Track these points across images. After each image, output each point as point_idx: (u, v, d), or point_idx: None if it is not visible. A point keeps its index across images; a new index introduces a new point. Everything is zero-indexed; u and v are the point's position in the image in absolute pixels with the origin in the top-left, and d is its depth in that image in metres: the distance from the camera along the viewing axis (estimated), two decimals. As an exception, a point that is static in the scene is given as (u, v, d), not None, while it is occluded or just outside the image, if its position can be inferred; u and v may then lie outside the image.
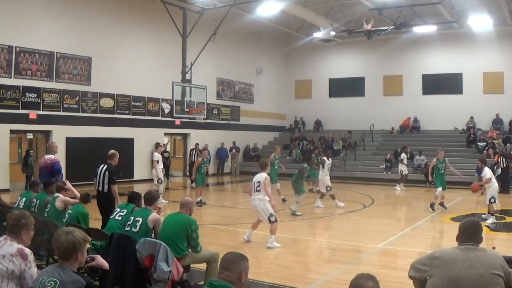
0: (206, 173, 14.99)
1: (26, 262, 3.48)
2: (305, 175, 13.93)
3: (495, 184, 11.81)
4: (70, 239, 3.28)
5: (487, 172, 11.81)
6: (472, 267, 3.19)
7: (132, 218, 5.98)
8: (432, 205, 13.31)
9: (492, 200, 11.49)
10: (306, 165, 14.19)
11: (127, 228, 5.87)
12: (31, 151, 17.63)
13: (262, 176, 8.85)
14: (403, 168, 20.08)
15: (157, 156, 15.02)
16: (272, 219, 8.81)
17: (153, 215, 5.98)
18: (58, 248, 3.29)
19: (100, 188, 8.71)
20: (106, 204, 8.50)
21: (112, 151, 9.14)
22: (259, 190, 8.78)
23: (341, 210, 13.68)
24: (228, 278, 3.05)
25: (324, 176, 14.21)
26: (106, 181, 8.68)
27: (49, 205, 7.19)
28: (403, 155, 20.27)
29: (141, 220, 5.86)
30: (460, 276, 3.17)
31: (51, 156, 9.86)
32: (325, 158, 14.61)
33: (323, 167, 14.36)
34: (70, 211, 6.82)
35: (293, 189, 13.44)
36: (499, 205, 15.67)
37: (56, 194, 7.35)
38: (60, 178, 9.65)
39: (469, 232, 3.46)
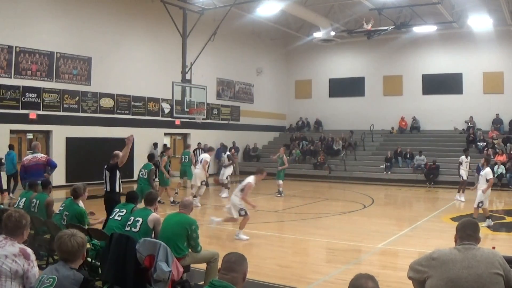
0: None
1: (29, 262, 3.50)
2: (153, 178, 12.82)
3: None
4: (79, 242, 3.35)
5: (488, 172, 11.14)
6: (470, 267, 3.19)
7: (132, 218, 5.98)
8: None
9: (481, 205, 10.86)
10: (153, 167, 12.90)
11: (127, 228, 5.88)
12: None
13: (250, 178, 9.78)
14: (462, 173, 16.43)
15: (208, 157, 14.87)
16: (242, 213, 9.65)
17: (153, 215, 5.99)
18: (66, 252, 3.31)
19: (107, 188, 8.85)
20: (110, 203, 8.49)
21: (116, 151, 9.25)
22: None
23: (340, 210, 13.67)
24: (234, 280, 3.06)
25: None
26: (107, 180, 8.77)
27: (63, 204, 7.17)
28: (463, 158, 16.62)
29: (141, 220, 5.87)
30: (459, 276, 3.17)
31: (43, 155, 10.30)
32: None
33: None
34: (67, 213, 6.80)
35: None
36: (499, 206, 15.70)
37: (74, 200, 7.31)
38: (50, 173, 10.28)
39: (467, 231, 3.46)
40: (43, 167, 10.03)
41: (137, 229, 5.79)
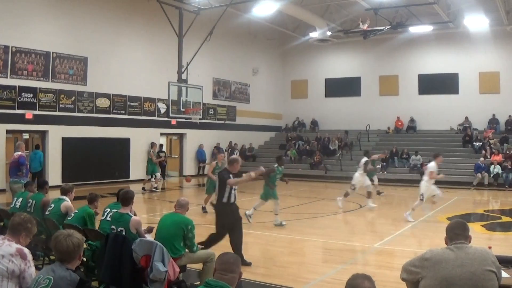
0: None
1: (26, 262, 3.51)
2: (277, 178, 11.68)
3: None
4: (75, 242, 3.33)
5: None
6: (464, 265, 3.20)
7: (114, 227, 5.75)
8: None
9: (421, 198, 11.91)
10: (276, 165, 11.68)
11: None
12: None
13: None
14: None
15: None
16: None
17: (133, 219, 5.72)
18: (62, 252, 3.30)
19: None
20: (217, 216, 7.93)
21: (234, 156, 8.87)
22: None
23: (336, 210, 13.68)
24: (232, 280, 3.05)
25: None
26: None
27: (52, 205, 7.11)
28: None
29: (124, 231, 5.67)
30: (452, 275, 3.18)
31: (18, 152, 11.35)
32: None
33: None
34: (76, 211, 6.72)
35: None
36: (495, 205, 15.74)
37: (62, 197, 7.25)
38: (25, 171, 11.36)
39: (455, 230, 3.48)
40: (16, 164, 11.17)
41: None
